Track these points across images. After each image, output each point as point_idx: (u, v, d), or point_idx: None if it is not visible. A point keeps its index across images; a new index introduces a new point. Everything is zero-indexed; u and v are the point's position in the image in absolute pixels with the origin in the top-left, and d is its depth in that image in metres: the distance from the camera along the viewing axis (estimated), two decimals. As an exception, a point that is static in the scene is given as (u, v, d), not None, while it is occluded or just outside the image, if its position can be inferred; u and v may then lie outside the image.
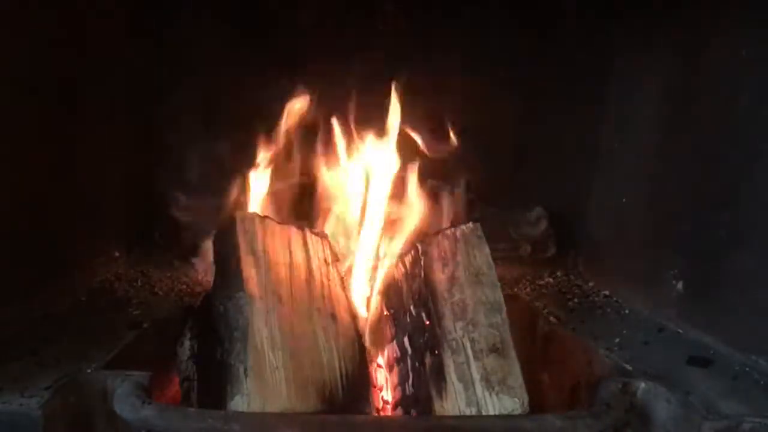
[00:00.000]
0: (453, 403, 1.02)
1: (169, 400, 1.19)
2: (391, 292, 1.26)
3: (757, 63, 1.20)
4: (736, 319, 1.21)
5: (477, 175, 1.78)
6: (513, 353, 1.05)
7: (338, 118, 1.55)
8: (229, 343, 1.05)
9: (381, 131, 1.49)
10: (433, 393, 1.05)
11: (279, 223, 1.23)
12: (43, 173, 1.32)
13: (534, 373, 1.24)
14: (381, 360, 1.27)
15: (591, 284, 1.72)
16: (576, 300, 1.59)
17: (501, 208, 1.83)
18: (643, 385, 1.03)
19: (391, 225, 1.46)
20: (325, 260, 1.25)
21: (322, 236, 1.30)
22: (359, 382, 1.11)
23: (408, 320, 1.18)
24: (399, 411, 1.14)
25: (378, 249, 1.42)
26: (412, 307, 1.17)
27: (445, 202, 1.52)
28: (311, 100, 1.55)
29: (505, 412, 1.00)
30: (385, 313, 1.26)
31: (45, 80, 1.32)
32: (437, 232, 1.19)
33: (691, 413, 0.97)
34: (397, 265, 1.26)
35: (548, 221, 1.82)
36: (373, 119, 1.53)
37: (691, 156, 1.37)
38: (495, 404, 1.01)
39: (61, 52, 1.37)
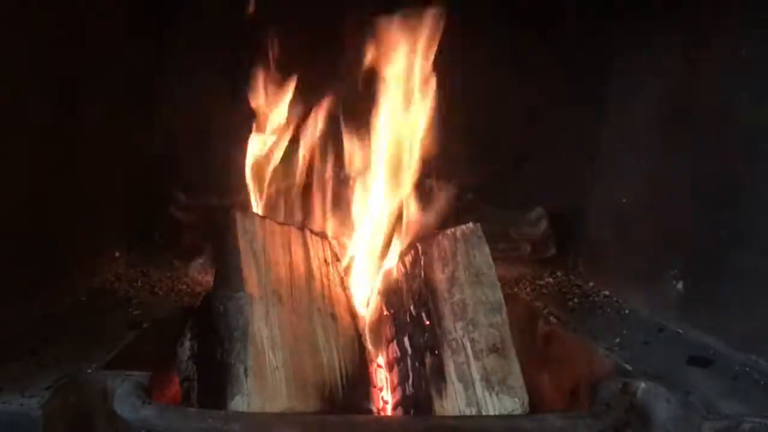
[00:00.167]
0: (453, 403, 1.02)
1: (169, 400, 1.19)
2: (391, 292, 1.26)
3: (757, 63, 1.20)
4: (736, 319, 1.21)
5: (477, 175, 1.79)
6: (513, 353, 1.05)
7: (339, 118, 1.55)
8: (229, 343, 1.05)
9: (381, 132, 1.50)
10: (433, 393, 1.05)
11: (279, 223, 1.23)
12: (43, 173, 1.32)
13: (534, 373, 1.24)
14: (381, 360, 1.27)
15: (591, 284, 1.72)
16: (576, 300, 1.59)
17: (501, 208, 1.83)
18: (643, 385, 1.03)
19: (391, 225, 1.46)
20: (325, 260, 1.25)
21: (322, 236, 1.30)
22: (359, 382, 1.11)
23: (408, 320, 1.18)
24: (399, 411, 1.14)
25: (378, 249, 1.43)
26: (412, 307, 1.17)
27: (445, 202, 1.52)
28: (312, 100, 1.56)
29: (505, 412, 1.00)
30: (385, 313, 1.26)
31: (45, 80, 1.32)
32: (437, 232, 1.19)
33: (691, 413, 0.97)
34: (397, 265, 1.26)
35: (548, 221, 1.82)
36: (373, 119, 1.54)
37: (691, 156, 1.37)
38: (495, 404, 1.01)
39: (61, 52, 1.37)
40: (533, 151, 1.80)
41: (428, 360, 1.08)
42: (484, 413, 1.00)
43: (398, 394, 1.16)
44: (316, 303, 1.15)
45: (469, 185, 1.80)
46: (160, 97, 1.74)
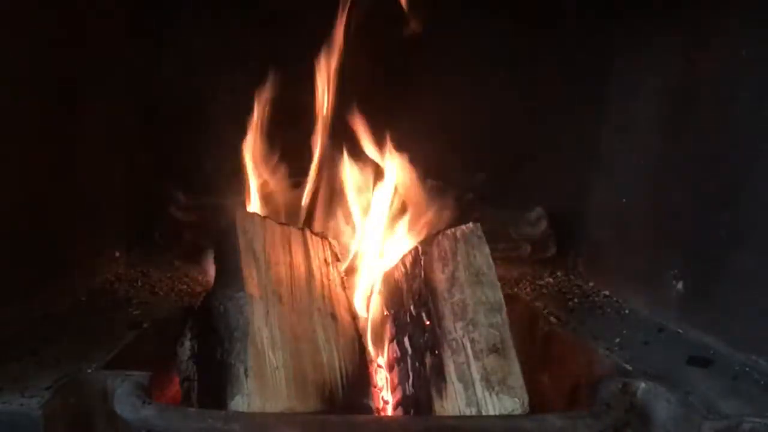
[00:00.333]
0: (453, 403, 1.02)
1: (169, 400, 1.19)
2: (391, 292, 1.26)
3: (757, 63, 1.20)
4: (736, 319, 1.21)
5: (477, 175, 1.79)
6: (513, 353, 1.05)
7: (340, 118, 1.55)
8: (229, 343, 1.05)
9: (381, 132, 1.50)
10: (433, 393, 1.05)
11: (279, 223, 1.23)
12: (43, 173, 1.32)
13: (534, 373, 1.24)
14: (381, 360, 1.27)
15: (591, 284, 1.72)
16: (576, 300, 1.59)
17: (501, 208, 1.83)
18: (643, 385, 1.03)
19: (391, 225, 1.47)
20: (325, 260, 1.26)
21: (322, 236, 1.31)
22: (359, 382, 1.11)
23: (408, 320, 1.18)
24: (399, 411, 1.14)
25: (378, 249, 1.43)
26: (412, 307, 1.17)
27: (445, 202, 1.52)
28: (312, 99, 1.56)
29: (505, 412, 1.00)
30: (385, 313, 1.26)
31: (45, 80, 1.32)
32: (437, 232, 1.19)
33: (691, 413, 0.96)
34: (397, 266, 1.26)
35: (548, 221, 1.82)
36: (372, 119, 1.54)
37: (691, 156, 1.37)
38: (495, 404, 1.01)
39: (61, 52, 1.37)
40: (533, 151, 1.80)
41: (428, 360, 1.08)
42: (484, 413, 1.00)
43: (398, 394, 1.16)
44: (316, 303, 1.15)
45: (469, 185, 1.80)
46: (160, 97, 1.74)
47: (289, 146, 1.58)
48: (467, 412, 1.01)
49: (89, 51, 1.49)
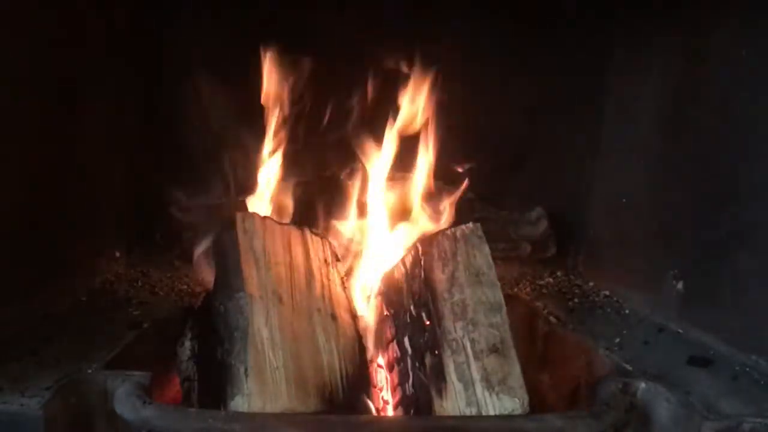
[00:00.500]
0: (453, 403, 1.02)
1: (169, 400, 1.19)
2: (391, 293, 1.26)
3: (757, 63, 1.20)
4: (736, 319, 1.21)
5: (477, 175, 1.79)
6: (513, 353, 1.05)
7: (340, 118, 1.56)
8: (229, 343, 1.05)
9: (381, 132, 1.50)
10: (433, 393, 1.05)
11: (279, 223, 1.23)
12: (44, 173, 1.32)
13: (534, 373, 1.24)
14: (381, 360, 1.27)
15: (591, 284, 1.72)
16: (576, 300, 1.59)
17: (501, 208, 1.83)
18: (643, 385, 1.03)
19: (392, 226, 1.47)
20: (326, 260, 1.25)
21: (323, 236, 1.30)
22: (359, 382, 1.11)
23: (408, 320, 1.18)
24: (399, 411, 1.14)
25: (379, 249, 1.43)
26: (412, 308, 1.17)
27: (445, 202, 1.52)
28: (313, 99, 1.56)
29: (505, 413, 1.00)
30: (385, 313, 1.26)
31: (45, 80, 1.32)
32: (437, 232, 1.19)
33: (691, 413, 0.96)
34: (397, 266, 1.26)
35: (548, 221, 1.82)
36: (372, 119, 1.54)
37: (692, 155, 1.37)
38: (495, 404, 1.01)
39: (61, 52, 1.37)
40: (533, 151, 1.80)
41: (428, 360, 1.08)
42: (484, 413, 1.00)
43: (398, 394, 1.16)
44: (317, 303, 1.15)
45: (469, 185, 1.80)
46: (160, 97, 1.74)
47: (289, 146, 1.58)
48: (467, 412, 1.01)
49: (89, 51, 1.49)
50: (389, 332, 1.23)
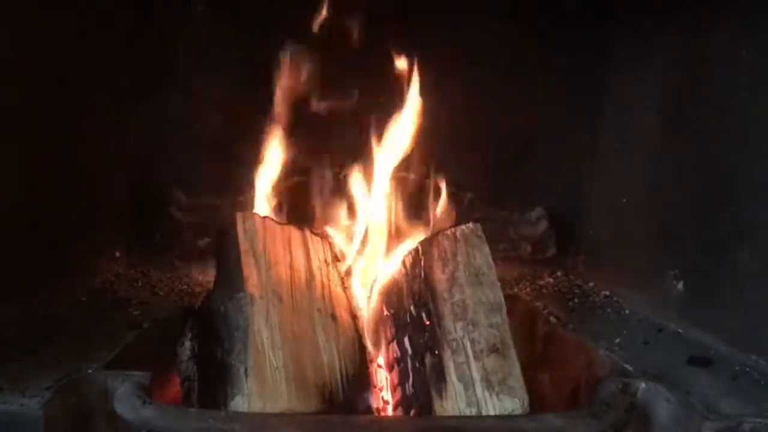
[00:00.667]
0: (453, 403, 1.02)
1: (169, 400, 1.19)
2: (391, 293, 1.26)
3: (757, 63, 1.20)
4: (736, 319, 1.21)
5: (477, 175, 1.79)
6: (513, 353, 1.05)
7: (340, 119, 1.56)
8: (229, 343, 1.05)
9: (382, 132, 1.50)
10: (433, 393, 1.05)
11: (279, 223, 1.23)
12: (44, 173, 1.32)
13: (534, 373, 1.24)
14: (381, 360, 1.27)
15: (591, 284, 1.72)
16: (576, 300, 1.59)
17: (501, 208, 1.83)
18: (643, 385, 1.03)
19: (392, 226, 1.46)
20: (326, 260, 1.25)
21: (323, 236, 1.31)
22: (359, 382, 1.11)
23: (408, 320, 1.18)
24: (399, 411, 1.14)
25: (378, 250, 1.43)
26: (412, 308, 1.17)
27: (445, 202, 1.52)
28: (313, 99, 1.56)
29: (505, 413, 1.00)
30: (385, 313, 1.26)
31: (45, 80, 1.32)
32: (437, 232, 1.19)
33: (691, 413, 0.96)
34: (397, 266, 1.26)
35: (548, 221, 1.82)
36: (371, 117, 1.54)
37: (691, 156, 1.37)
38: (495, 404, 1.01)
39: (61, 52, 1.36)
40: (533, 151, 1.80)
41: (428, 360, 1.08)
42: (484, 413, 1.00)
43: (398, 395, 1.16)
44: (317, 303, 1.15)
45: (469, 185, 1.80)
46: (159, 96, 1.73)
47: (289, 146, 1.58)
48: (467, 412, 1.01)
49: (89, 51, 1.49)
50: (389, 332, 1.23)
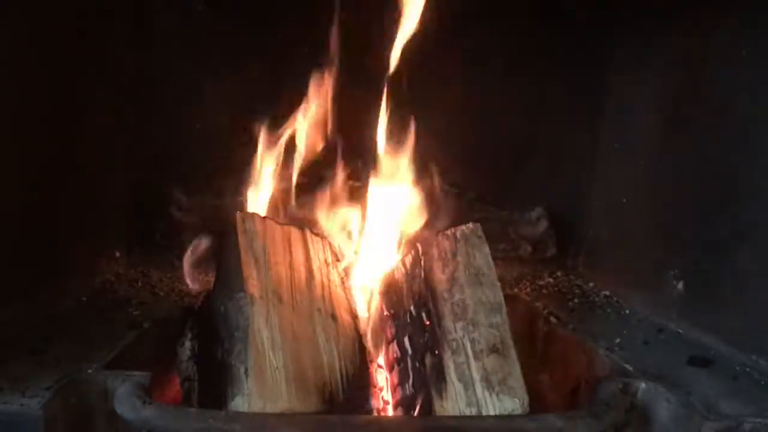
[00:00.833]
0: (453, 403, 1.02)
1: (169, 400, 1.19)
2: (391, 293, 1.26)
3: (757, 63, 1.20)
4: (736, 319, 1.21)
5: (477, 175, 1.79)
6: (513, 353, 1.05)
7: (340, 119, 1.55)
8: (229, 343, 1.05)
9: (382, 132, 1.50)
10: (433, 393, 1.05)
11: (279, 223, 1.23)
12: (44, 173, 1.32)
13: (534, 373, 1.24)
14: (381, 360, 1.27)
15: (591, 284, 1.72)
16: (576, 300, 1.59)
17: (501, 208, 1.83)
18: (643, 385, 1.03)
19: (392, 225, 1.47)
20: (326, 261, 1.26)
21: (323, 236, 1.31)
22: (359, 382, 1.11)
23: (408, 320, 1.18)
24: (399, 411, 1.14)
25: (379, 250, 1.43)
26: (412, 308, 1.17)
27: (445, 202, 1.52)
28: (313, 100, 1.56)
29: (505, 413, 1.00)
30: (385, 313, 1.26)
31: (45, 80, 1.32)
32: (437, 233, 1.19)
33: (691, 413, 0.96)
34: (397, 266, 1.26)
35: (548, 221, 1.82)
36: (371, 118, 1.54)
37: (691, 156, 1.37)
38: (495, 404, 1.01)
39: (61, 52, 1.36)
40: (533, 151, 1.80)
41: (428, 360, 1.08)
42: (484, 413, 1.00)
43: (398, 395, 1.16)
44: (317, 303, 1.15)
45: (469, 185, 1.80)
46: (159, 97, 1.74)
47: (289, 146, 1.58)
48: (467, 412, 1.01)
49: (89, 51, 1.49)
50: (389, 332, 1.23)
